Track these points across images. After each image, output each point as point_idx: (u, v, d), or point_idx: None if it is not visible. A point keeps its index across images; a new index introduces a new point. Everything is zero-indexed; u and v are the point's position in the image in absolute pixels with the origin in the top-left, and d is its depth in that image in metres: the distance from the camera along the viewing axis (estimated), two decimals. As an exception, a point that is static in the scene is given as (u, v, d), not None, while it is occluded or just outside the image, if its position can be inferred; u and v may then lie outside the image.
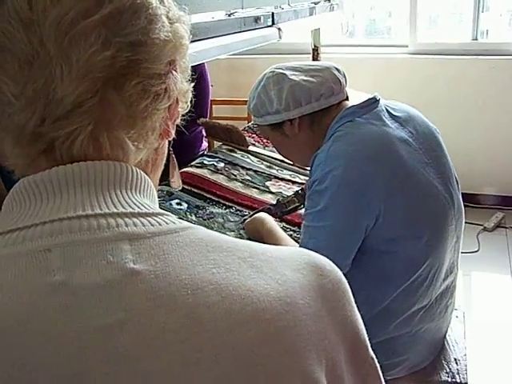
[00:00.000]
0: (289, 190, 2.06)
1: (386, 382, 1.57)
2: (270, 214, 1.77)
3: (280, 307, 0.50)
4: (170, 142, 0.66)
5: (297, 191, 1.86)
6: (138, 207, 0.53)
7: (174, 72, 0.59)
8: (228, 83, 4.23)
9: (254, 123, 1.62)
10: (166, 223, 0.52)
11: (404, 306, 1.44)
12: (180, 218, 1.60)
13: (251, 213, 1.82)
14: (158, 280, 0.48)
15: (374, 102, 1.46)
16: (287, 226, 1.79)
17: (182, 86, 0.62)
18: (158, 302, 0.47)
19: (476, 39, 3.98)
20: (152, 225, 0.51)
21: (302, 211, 1.87)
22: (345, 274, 1.36)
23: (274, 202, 1.87)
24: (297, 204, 1.83)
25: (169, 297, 0.47)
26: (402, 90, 3.70)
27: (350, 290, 0.59)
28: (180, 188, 0.66)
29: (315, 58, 3.34)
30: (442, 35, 4.20)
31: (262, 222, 1.67)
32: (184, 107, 0.65)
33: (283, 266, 0.54)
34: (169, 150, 0.66)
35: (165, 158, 0.66)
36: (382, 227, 1.35)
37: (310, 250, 1.34)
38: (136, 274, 0.48)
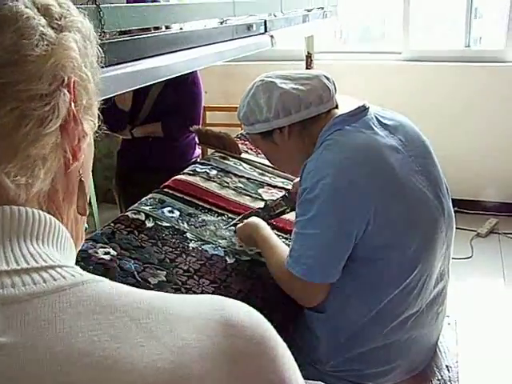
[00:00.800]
0: (281, 197, 2.07)
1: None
2: (257, 217, 1.79)
3: (167, 383, 0.43)
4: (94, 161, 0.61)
5: (284, 195, 1.87)
6: (26, 260, 0.46)
7: (63, 89, 0.51)
8: (222, 90, 4.24)
9: (244, 131, 1.63)
10: (54, 279, 0.46)
11: (394, 312, 1.44)
12: (172, 226, 1.60)
13: (239, 217, 1.83)
14: (26, 354, 0.41)
15: (363, 110, 1.47)
16: (279, 234, 1.79)
17: (80, 102, 0.55)
18: (23, 381, 0.40)
19: (469, 46, 4.00)
20: (35, 283, 0.45)
21: (290, 216, 1.88)
22: (335, 282, 1.37)
23: (262, 206, 1.87)
24: (284, 207, 1.85)
25: (36, 375, 0.40)
26: (396, 97, 3.72)
27: (277, 346, 0.51)
28: (87, 215, 0.61)
29: (309, 65, 3.35)
30: (435, 42, 4.22)
31: (257, 228, 1.67)
32: (91, 125, 0.59)
33: (185, 327, 0.46)
34: (79, 173, 0.59)
35: (87, 179, 0.61)
36: (372, 235, 1.35)
37: (300, 256, 1.35)
38: (0, 348, 0.41)
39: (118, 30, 1.23)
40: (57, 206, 0.55)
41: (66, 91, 0.52)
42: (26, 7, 0.50)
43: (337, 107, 1.54)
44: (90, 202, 3.58)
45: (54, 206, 0.54)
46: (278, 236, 1.76)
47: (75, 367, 0.41)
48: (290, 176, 2.18)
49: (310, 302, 1.47)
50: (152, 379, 0.42)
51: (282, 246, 1.59)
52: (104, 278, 0.49)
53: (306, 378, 1.73)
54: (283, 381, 0.50)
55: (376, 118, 1.48)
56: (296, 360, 1.70)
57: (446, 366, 1.61)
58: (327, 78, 1.53)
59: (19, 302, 0.43)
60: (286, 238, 1.76)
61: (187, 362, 0.44)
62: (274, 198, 2.03)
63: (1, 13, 0.48)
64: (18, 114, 0.48)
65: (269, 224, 1.79)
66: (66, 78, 0.52)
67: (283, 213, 1.85)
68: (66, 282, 0.46)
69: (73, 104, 0.53)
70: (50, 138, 0.51)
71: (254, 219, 1.73)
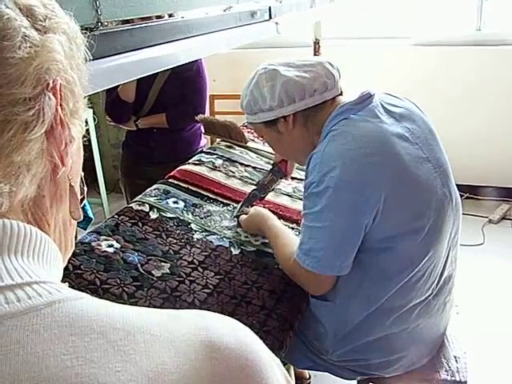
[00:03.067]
0: (288, 186, 2.05)
1: (383, 380, 1.58)
2: (256, 199, 1.83)
3: None
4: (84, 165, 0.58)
5: (272, 169, 1.86)
6: (1, 277, 0.44)
7: (48, 93, 0.49)
8: (230, 78, 4.20)
9: (248, 121, 1.60)
10: (29, 298, 0.43)
11: (401, 302, 1.43)
12: (176, 217, 1.59)
13: (239, 207, 1.82)
14: None
15: (368, 97, 1.44)
16: (285, 224, 1.77)
17: (67, 106, 0.53)
18: None
19: (480, 29, 3.94)
20: (8, 302, 0.42)
21: (297, 206, 1.87)
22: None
23: (256, 187, 1.87)
24: (277, 181, 1.87)
25: None
26: (405, 83, 3.67)
27: (264, 369, 0.48)
28: (81, 219, 0.59)
29: (317, 51, 3.31)
30: (446, 26, 4.14)
31: (263, 218, 1.68)
32: (79, 129, 0.57)
33: (166, 350, 0.44)
34: (68, 178, 0.56)
35: (77, 184, 0.59)
36: (381, 224, 1.33)
37: (310, 249, 1.34)
38: None
39: (115, 19, 1.21)
40: (43, 213, 0.53)
41: (51, 95, 0.50)
42: (7, 7, 0.47)
43: (341, 94, 1.51)
44: (99, 193, 3.55)
45: (39, 212, 0.53)
46: (286, 226, 1.75)
47: None
48: (296, 164, 2.17)
49: (317, 291, 1.48)
50: None
51: (289, 236, 1.58)
52: (84, 295, 0.47)
53: (312, 368, 1.73)
54: None
55: (381, 105, 1.45)
56: (302, 351, 1.68)
57: (454, 357, 1.59)
58: (331, 65, 1.50)
59: None
60: (293, 228, 1.75)
61: None
62: (282, 188, 2.02)
63: None
64: (0, 119, 0.46)
65: (275, 214, 1.79)
66: (50, 82, 0.50)
67: (276, 186, 1.89)
68: (42, 300, 0.43)
69: (59, 108, 0.51)
70: (35, 143, 0.49)
71: (259, 210, 1.73)
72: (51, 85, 0.50)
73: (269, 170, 1.89)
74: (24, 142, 0.47)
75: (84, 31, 1.22)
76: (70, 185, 0.57)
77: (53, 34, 0.51)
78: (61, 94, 0.51)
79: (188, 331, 0.46)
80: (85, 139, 0.61)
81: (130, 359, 0.42)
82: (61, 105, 0.51)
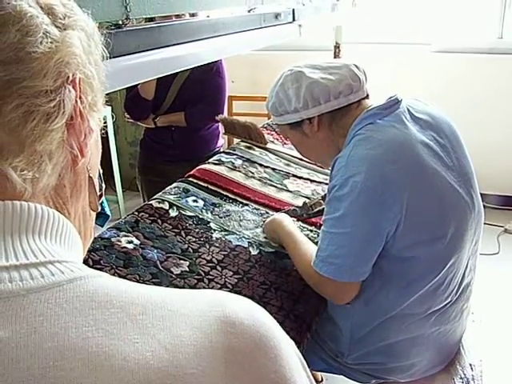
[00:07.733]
0: (306, 189, 2.05)
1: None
2: (294, 216, 1.78)
3: (159, 381, 0.42)
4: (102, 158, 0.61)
5: (325, 194, 1.84)
6: (26, 256, 0.47)
7: (68, 86, 0.52)
8: (249, 79, 4.22)
9: (274, 122, 1.61)
10: (52, 275, 0.46)
11: (420, 309, 1.42)
12: (196, 216, 1.59)
13: (274, 214, 1.81)
14: (19, 350, 0.41)
15: (395, 102, 1.43)
16: (304, 226, 1.78)
17: (86, 99, 0.55)
18: (13, 377, 0.40)
19: (501, 37, 3.91)
20: (32, 278, 0.45)
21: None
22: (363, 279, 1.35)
23: (301, 204, 1.85)
24: (323, 206, 1.81)
25: (27, 371, 0.40)
26: (425, 89, 3.66)
27: (279, 345, 0.50)
28: (98, 210, 0.62)
29: (337, 55, 3.31)
30: (467, 33, 4.12)
31: (281, 224, 1.66)
32: (97, 121, 0.59)
33: (182, 324, 0.46)
34: (87, 170, 0.59)
35: (95, 175, 0.62)
36: (404, 232, 1.32)
37: (329, 256, 1.33)
38: None
39: (144, 16, 1.22)
40: (64, 202, 0.56)
41: (71, 88, 0.52)
42: (30, 6, 0.51)
43: (367, 97, 1.51)
44: (115, 190, 3.58)
45: (60, 201, 0.55)
46: (303, 229, 1.75)
47: (66, 363, 0.41)
48: (316, 167, 2.17)
49: (341, 299, 1.43)
50: (143, 376, 0.42)
51: (306, 243, 1.56)
52: (104, 274, 0.49)
53: (326, 371, 1.72)
54: (284, 381, 0.48)
55: (408, 110, 1.44)
56: (317, 352, 1.67)
57: (470, 365, 1.58)
58: (357, 67, 1.50)
59: (15, 296, 0.43)
60: (311, 231, 1.75)
61: (181, 359, 0.44)
62: (300, 190, 2.02)
63: (5, 11, 0.48)
64: (23, 110, 0.48)
65: (302, 220, 1.79)
66: (70, 75, 0.53)
67: (322, 212, 1.82)
68: (64, 277, 0.46)
69: (78, 100, 0.54)
70: (57, 133, 0.51)
71: (280, 215, 1.72)
72: (71, 78, 0.53)
73: (322, 195, 1.87)
74: (46, 131, 0.50)
75: (112, 27, 1.23)
76: (89, 176, 0.60)
77: (72, 31, 0.54)
78: (80, 87, 0.54)
79: (204, 307, 0.49)
80: (102, 131, 0.63)
81: (148, 332, 0.45)
82: (80, 97, 0.54)
